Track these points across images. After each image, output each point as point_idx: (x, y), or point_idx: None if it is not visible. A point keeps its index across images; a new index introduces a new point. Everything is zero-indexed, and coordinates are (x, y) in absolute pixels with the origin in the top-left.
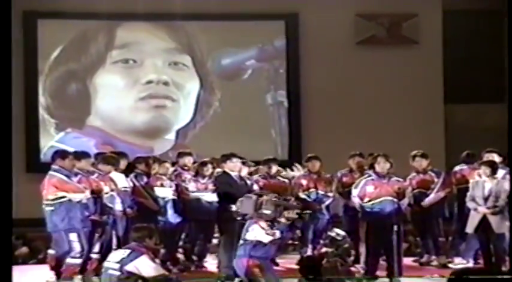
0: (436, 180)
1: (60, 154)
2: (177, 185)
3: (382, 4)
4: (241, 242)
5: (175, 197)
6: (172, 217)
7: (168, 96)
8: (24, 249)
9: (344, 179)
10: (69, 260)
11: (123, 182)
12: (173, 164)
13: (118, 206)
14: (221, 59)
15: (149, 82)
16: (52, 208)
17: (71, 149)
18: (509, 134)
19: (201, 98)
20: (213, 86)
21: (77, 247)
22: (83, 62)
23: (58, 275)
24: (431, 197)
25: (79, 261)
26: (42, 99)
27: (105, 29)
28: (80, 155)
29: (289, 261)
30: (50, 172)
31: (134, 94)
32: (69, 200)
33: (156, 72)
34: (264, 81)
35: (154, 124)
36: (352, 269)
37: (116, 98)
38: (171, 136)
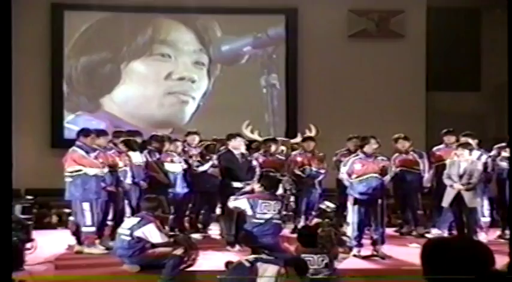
0: (418, 160)
1: (84, 132)
2: (185, 160)
3: (372, 1)
4: (273, 221)
5: (183, 172)
6: (180, 189)
7: (191, 93)
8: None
9: (342, 158)
10: (84, 229)
11: (137, 157)
12: (183, 142)
13: (129, 180)
14: (221, 46)
15: (181, 78)
16: (71, 179)
17: None
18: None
19: (208, 91)
20: (216, 73)
21: (88, 216)
22: (119, 49)
23: (78, 239)
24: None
25: (93, 229)
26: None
27: (151, 23)
28: (100, 133)
29: (284, 232)
30: (73, 147)
31: (165, 87)
32: (86, 173)
33: (186, 70)
34: (258, 65)
35: (172, 118)
36: (343, 237)
37: (145, 87)
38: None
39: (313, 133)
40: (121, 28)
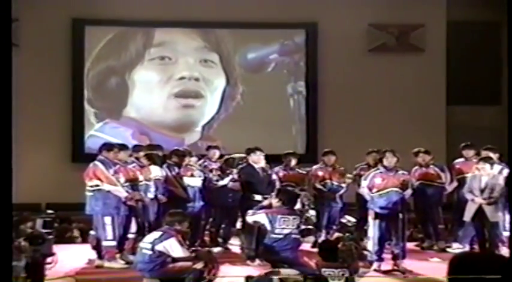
0: (440, 173)
1: (107, 147)
2: (205, 175)
3: (392, 15)
4: (292, 236)
5: (203, 186)
6: (199, 203)
7: (197, 91)
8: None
9: (361, 172)
10: (105, 243)
11: (157, 172)
12: (202, 156)
13: (150, 194)
14: (247, 54)
15: (182, 78)
16: (91, 194)
17: (109, 138)
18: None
19: (227, 92)
20: (239, 79)
21: (109, 230)
22: (122, 58)
23: (99, 253)
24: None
25: (114, 243)
26: (84, 92)
27: (144, 30)
28: (122, 148)
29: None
30: (95, 162)
31: (168, 89)
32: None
33: (188, 69)
34: (285, 73)
35: (183, 120)
36: (364, 252)
37: (151, 92)
38: (198, 128)
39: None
40: (129, 39)
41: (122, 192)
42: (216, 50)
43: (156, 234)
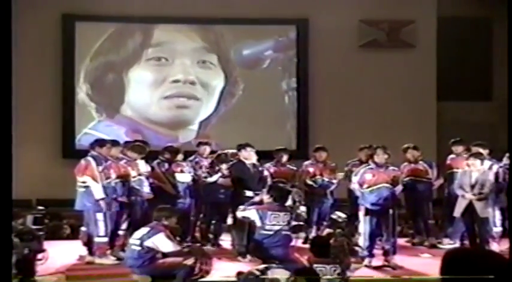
0: (428, 169)
1: (100, 143)
2: (195, 171)
3: (383, 11)
4: (282, 233)
5: (193, 182)
6: (190, 199)
7: (192, 95)
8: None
9: (353, 168)
10: (97, 239)
11: (143, 167)
12: (192, 153)
13: (146, 189)
14: (242, 51)
15: (176, 81)
16: (83, 189)
17: (103, 136)
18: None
19: (225, 92)
20: (236, 77)
21: (101, 226)
22: (120, 56)
23: (90, 250)
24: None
25: (106, 239)
26: (83, 87)
27: (143, 28)
28: (114, 143)
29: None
30: (87, 157)
31: (160, 92)
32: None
33: (184, 71)
34: (280, 69)
35: (175, 121)
36: (355, 248)
37: (145, 92)
38: (194, 126)
39: None
40: (126, 36)
41: (99, 192)
42: (215, 51)
43: (144, 230)
